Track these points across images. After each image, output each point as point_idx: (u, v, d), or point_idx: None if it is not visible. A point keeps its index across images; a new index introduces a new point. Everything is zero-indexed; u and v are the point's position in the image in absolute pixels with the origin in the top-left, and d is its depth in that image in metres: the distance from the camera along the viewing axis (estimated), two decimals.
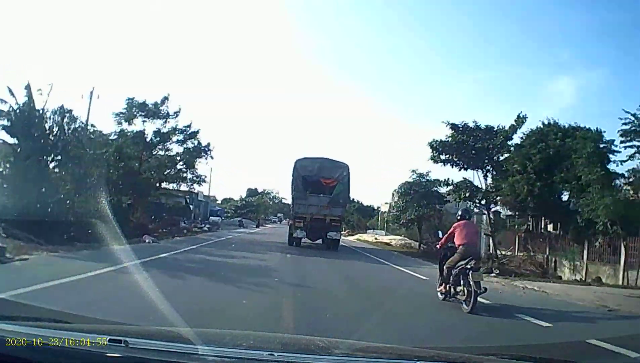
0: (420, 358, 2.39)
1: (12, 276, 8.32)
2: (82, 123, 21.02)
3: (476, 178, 22.43)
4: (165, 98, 27.18)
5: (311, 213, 22.21)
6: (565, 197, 20.91)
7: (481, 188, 21.79)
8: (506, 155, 21.78)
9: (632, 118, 17.08)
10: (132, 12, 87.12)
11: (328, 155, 24.96)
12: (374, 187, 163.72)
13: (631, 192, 18.39)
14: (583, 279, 16.95)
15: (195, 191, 38.45)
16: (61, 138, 16.54)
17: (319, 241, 24.07)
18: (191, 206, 44.22)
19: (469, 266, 7.91)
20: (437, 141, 21.60)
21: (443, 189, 26.68)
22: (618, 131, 17.68)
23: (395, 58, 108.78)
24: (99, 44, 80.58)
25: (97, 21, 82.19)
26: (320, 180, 22.91)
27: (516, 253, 21.73)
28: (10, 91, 15.58)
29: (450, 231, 8.81)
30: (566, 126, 21.15)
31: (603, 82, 79.74)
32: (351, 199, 56.43)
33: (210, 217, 46.89)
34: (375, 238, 43.06)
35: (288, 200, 32.31)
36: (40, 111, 16.09)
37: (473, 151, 21.29)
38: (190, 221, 37.84)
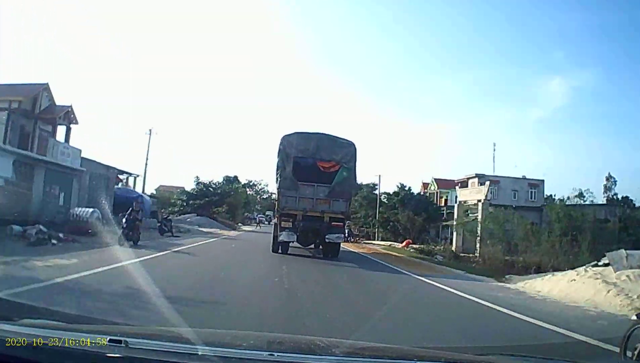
0: (420, 358, 2.38)
1: None
2: None
3: None
4: None
5: (304, 208, 16.89)
6: None
7: None
8: None
9: None
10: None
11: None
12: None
13: None
14: None
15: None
16: None
17: (313, 246, 19.24)
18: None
19: None
20: None
21: None
22: None
23: (389, 56, 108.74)
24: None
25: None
26: (317, 164, 17.39)
27: None
28: None
29: None
30: None
31: (596, 83, 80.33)
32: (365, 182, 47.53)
33: (75, 209, 21.33)
34: None
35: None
36: None
37: None
38: None
